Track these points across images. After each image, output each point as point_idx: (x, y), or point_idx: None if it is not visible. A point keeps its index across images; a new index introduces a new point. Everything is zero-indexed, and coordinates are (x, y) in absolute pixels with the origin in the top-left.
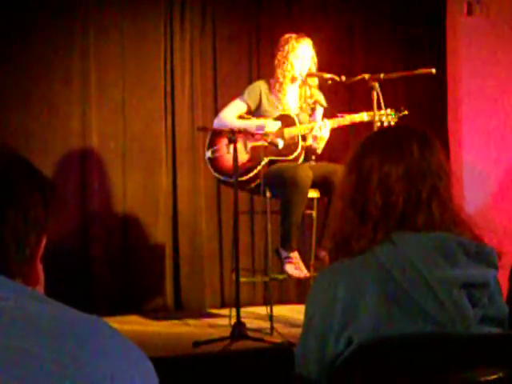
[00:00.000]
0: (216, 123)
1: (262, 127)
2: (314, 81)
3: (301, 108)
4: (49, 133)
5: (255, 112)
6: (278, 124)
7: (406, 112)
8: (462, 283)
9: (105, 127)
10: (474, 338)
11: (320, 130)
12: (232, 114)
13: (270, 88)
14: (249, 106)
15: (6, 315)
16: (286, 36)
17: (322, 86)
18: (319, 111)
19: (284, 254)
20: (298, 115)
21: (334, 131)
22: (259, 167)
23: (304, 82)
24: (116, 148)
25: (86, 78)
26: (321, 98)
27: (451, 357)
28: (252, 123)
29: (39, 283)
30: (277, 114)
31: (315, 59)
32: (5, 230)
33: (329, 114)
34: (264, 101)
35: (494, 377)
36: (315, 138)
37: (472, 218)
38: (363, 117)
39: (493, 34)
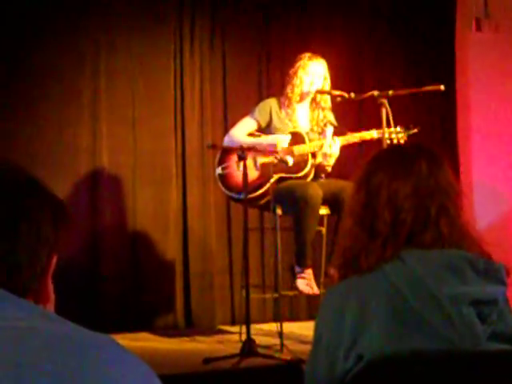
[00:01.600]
0: (226, 140)
1: (272, 144)
2: (327, 102)
3: (312, 130)
4: (59, 149)
5: (265, 129)
6: (288, 137)
7: (415, 130)
8: (471, 300)
9: (115, 144)
10: (484, 355)
11: (330, 148)
12: (242, 132)
13: (281, 106)
14: (259, 124)
15: (18, 334)
16: (301, 54)
17: (332, 103)
18: (329, 130)
19: (298, 269)
20: (307, 133)
21: (343, 148)
22: (269, 184)
23: (317, 104)
24: (126, 164)
25: (97, 95)
26: (332, 117)
27: (460, 374)
28: (262, 140)
29: (50, 301)
30: (286, 132)
31: (328, 80)
32: (18, 246)
33: (338, 131)
34: (274, 118)
35: None
36: (325, 155)
37: (481, 234)
38: (373, 134)
39: (501, 50)
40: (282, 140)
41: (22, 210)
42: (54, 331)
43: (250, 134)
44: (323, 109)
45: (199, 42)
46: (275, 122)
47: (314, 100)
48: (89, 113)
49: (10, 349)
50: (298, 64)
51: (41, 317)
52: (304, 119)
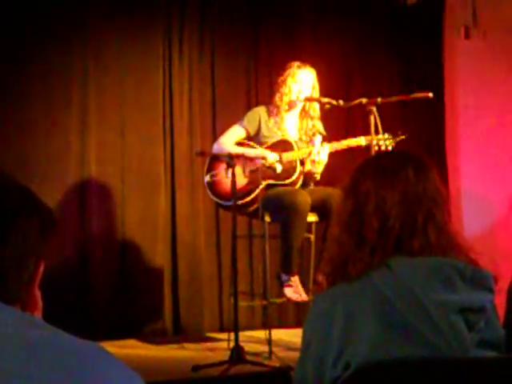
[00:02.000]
0: (215, 148)
1: (261, 157)
2: (316, 111)
3: (300, 139)
4: (48, 157)
5: (254, 138)
6: (276, 157)
7: (403, 137)
8: (459, 308)
9: (103, 151)
10: (471, 362)
11: (318, 154)
12: (231, 140)
13: (270, 114)
14: (248, 132)
15: (4, 341)
16: (290, 63)
17: (320, 110)
18: (318, 138)
19: (284, 277)
20: (296, 142)
21: (331, 155)
22: (258, 190)
23: (306, 113)
24: (115, 172)
25: (85, 103)
26: (320, 127)
27: (447, 381)
28: (251, 151)
29: (37, 309)
30: (275, 140)
31: (317, 89)
32: (4, 254)
33: (327, 139)
34: (263, 127)
35: None
36: (313, 162)
37: (469, 242)
38: (361, 141)
39: (490, 58)
40: (270, 157)
41: (10, 218)
42: (41, 338)
43: (239, 143)
44: (312, 118)
45: (188, 49)
46: (264, 130)
47: (303, 109)
48: (78, 121)
49: None
50: (286, 72)
51: (28, 324)
52: (293, 128)
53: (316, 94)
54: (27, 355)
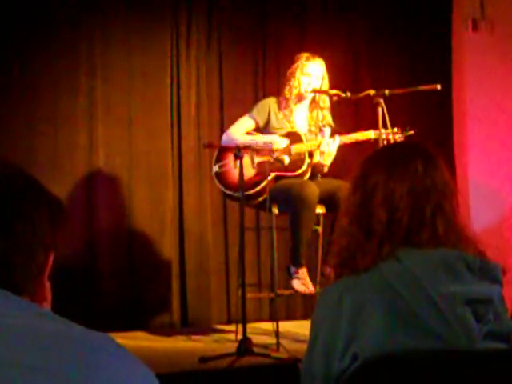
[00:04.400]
0: (224, 139)
1: (269, 144)
2: (326, 102)
3: (310, 131)
4: (55, 149)
5: (263, 129)
6: (286, 141)
7: (412, 132)
8: (466, 299)
9: (111, 143)
10: (479, 354)
11: (328, 146)
12: (240, 131)
13: (280, 106)
14: (257, 123)
15: (14, 332)
16: (299, 54)
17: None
18: (327, 130)
19: (292, 269)
20: (305, 134)
21: (339, 149)
22: (266, 181)
23: (316, 104)
24: (122, 164)
25: (93, 95)
26: (330, 119)
27: (455, 373)
28: (260, 139)
29: (46, 300)
30: (284, 131)
31: (327, 80)
32: (13, 245)
33: (336, 131)
34: (273, 118)
35: None
36: (322, 153)
37: (477, 234)
38: (370, 135)
39: (498, 50)
40: (278, 142)
41: (18, 209)
42: (51, 330)
43: (248, 133)
44: (322, 109)
45: (196, 41)
46: (273, 122)
47: (313, 100)
48: (85, 112)
49: (6, 347)
50: (295, 65)
51: (38, 315)
52: (302, 120)
53: (326, 84)
54: (37, 347)
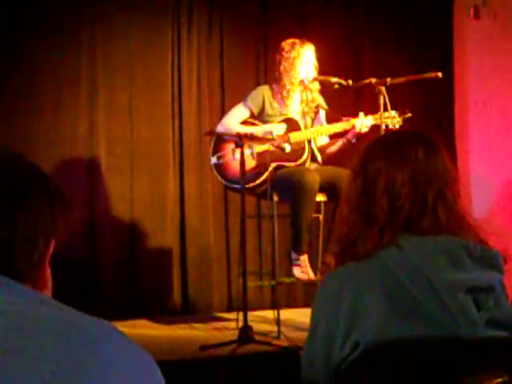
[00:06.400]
0: (219, 130)
1: (268, 132)
2: (315, 85)
3: (303, 112)
4: (56, 138)
5: (258, 117)
6: (284, 127)
7: (409, 114)
8: (468, 287)
9: (112, 132)
10: (480, 342)
11: (363, 127)
12: (235, 120)
13: (274, 93)
14: (251, 112)
15: (16, 319)
16: (290, 41)
17: (329, 90)
18: (322, 114)
19: (294, 256)
20: (302, 120)
21: (340, 135)
22: (266, 173)
23: (305, 87)
24: (123, 153)
25: (94, 83)
26: (321, 101)
27: (457, 360)
28: (257, 129)
29: (47, 288)
30: (280, 118)
31: (316, 65)
32: (15, 233)
33: (335, 117)
34: (267, 106)
35: (500, 380)
36: (356, 134)
37: (478, 222)
38: (368, 120)
39: (500, 37)
40: (277, 128)
41: (20, 196)
42: (53, 317)
43: (243, 122)
44: (311, 91)
45: (197, 30)
46: (268, 109)
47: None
48: (86, 101)
49: (9, 334)
50: (292, 54)
51: (39, 302)
52: (296, 104)
53: (315, 68)
54: (37, 332)
